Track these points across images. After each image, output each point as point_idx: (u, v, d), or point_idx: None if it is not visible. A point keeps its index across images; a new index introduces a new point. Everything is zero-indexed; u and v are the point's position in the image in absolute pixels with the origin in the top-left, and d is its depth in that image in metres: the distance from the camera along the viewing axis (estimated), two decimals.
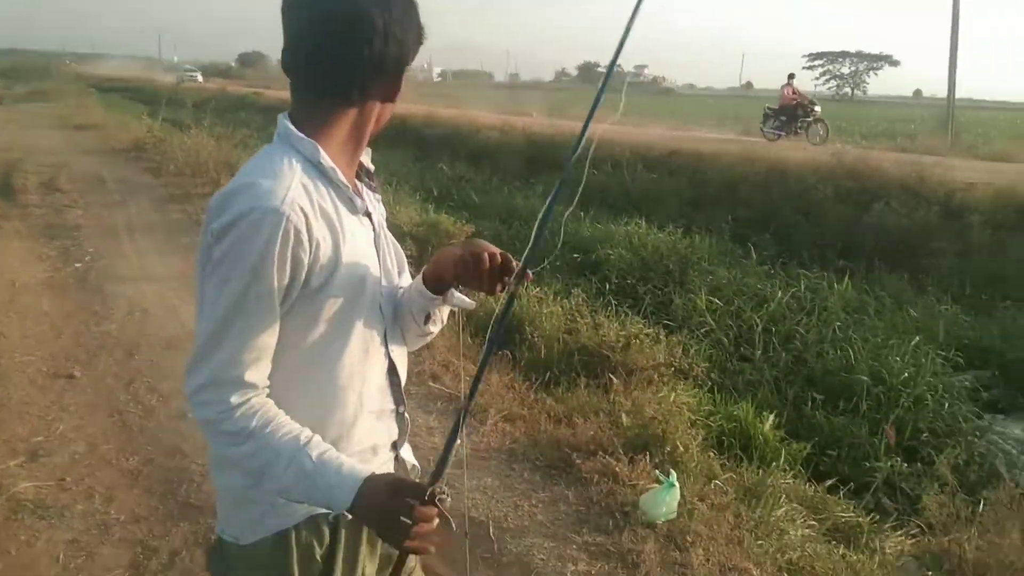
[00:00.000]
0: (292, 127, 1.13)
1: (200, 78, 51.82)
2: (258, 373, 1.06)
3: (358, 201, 1.15)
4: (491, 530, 2.84)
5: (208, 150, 10.36)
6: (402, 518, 0.99)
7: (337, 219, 1.10)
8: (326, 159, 1.10)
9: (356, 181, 1.22)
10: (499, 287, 1.16)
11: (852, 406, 4.80)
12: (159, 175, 10.59)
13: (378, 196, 1.27)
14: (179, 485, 3.10)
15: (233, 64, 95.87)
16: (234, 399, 1.03)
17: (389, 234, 1.32)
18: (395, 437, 1.29)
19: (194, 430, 3.53)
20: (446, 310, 1.29)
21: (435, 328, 1.30)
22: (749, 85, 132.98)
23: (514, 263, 1.15)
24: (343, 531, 1.20)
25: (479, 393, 3.70)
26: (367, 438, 1.22)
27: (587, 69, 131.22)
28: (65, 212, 8.20)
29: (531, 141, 14.30)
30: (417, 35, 1.15)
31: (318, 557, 1.18)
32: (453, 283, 1.22)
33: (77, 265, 6.17)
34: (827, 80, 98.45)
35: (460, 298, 1.27)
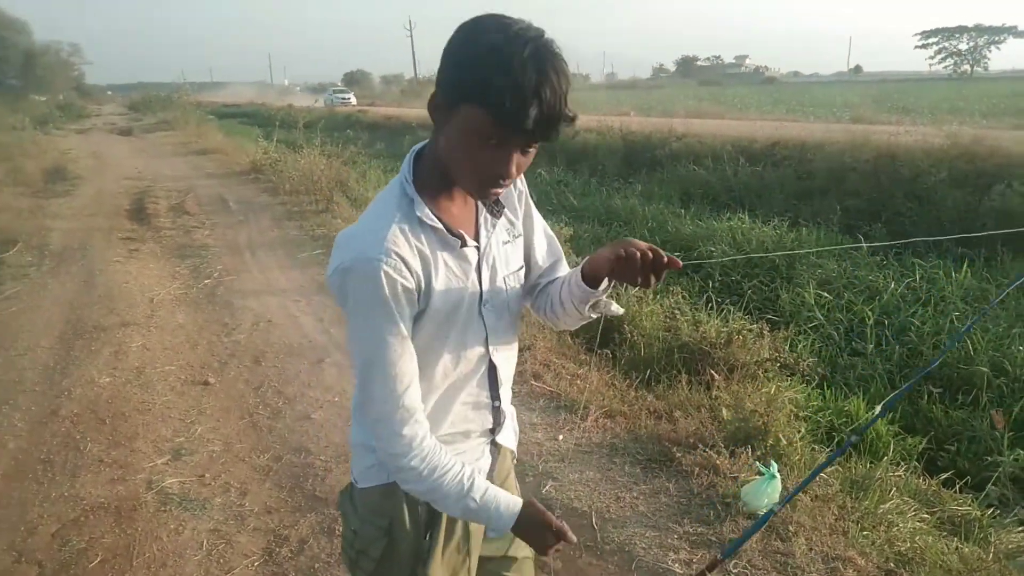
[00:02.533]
0: (409, 168, 1.27)
1: (354, 100, 46.70)
2: (413, 398, 1.23)
3: (450, 239, 1.26)
4: (593, 520, 2.93)
5: (320, 168, 10.86)
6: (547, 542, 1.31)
7: (431, 254, 1.23)
8: (421, 210, 1.23)
9: (477, 203, 1.34)
10: (653, 281, 1.23)
11: (972, 399, 4.61)
12: (276, 194, 11.21)
13: (495, 221, 1.37)
14: (305, 480, 3.35)
15: (339, 83, 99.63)
16: (406, 431, 1.22)
17: (530, 240, 1.49)
18: (490, 426, 1.44)
19: (317, 429, 3.81)
20: (603, 300, 1.40)
21: (595, 314, 1.42)
22: (858, 69, 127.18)
23: (666, 257, 1.21)
24: None
25: (580, 391, 3.81)
26: (460, 424, 1.39)
27: (685, 63, 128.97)
28: (193, 232, 8.82)
29: (628, 140, 14.24)
30: (469, 89, 1.10)
31: (421, 510, 1.38)
32: (609, 279, 1.31)
33: (207, 281, 6.66)
34: (943, 59, 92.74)
35: (616, 308, 1.41)
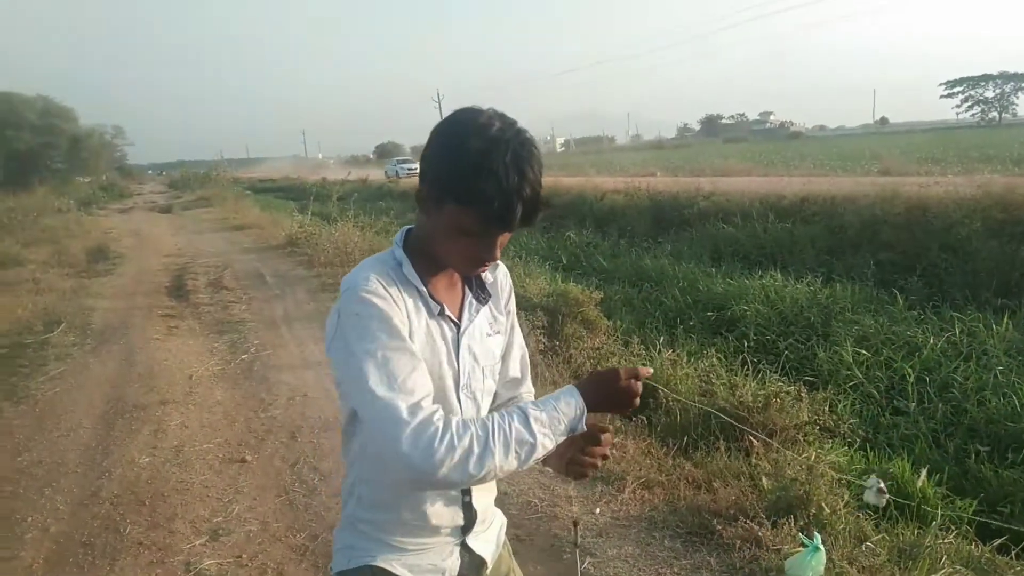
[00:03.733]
0: (400, 238, 1.35)
1: None
2: (430, 400, 1.18)
3: (432, 304, 1.31)
4: None
5: (354, 240, 11.07)
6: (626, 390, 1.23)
7: (413, 313, 1.27)
8: (407, 268, 1.30)
9: (461, 283, 1.39)
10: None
11: (1022, 458, 4.46)
12: (311, 267, 11.41)
13: (480, 307, 1.41)
14: None
15: (371, 156, 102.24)
16: (436, 419, 1.13)
17: (507, 339, 1.50)
18: (460, 523, 1.40)
19: None
20: None
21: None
22: (884, 121, 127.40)
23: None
24: None
25: (615, 460, 3.76)
26: (433, 518, 1.36)
27: (710, 122, 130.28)
28: (231, 307, 8.98)
29: (656, 201, 14.33)
30: (463, 190, 1.17)
31: None
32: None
33: (244, 356, 6.76)
34: (969, 107, 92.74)
35: None
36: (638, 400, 1.25)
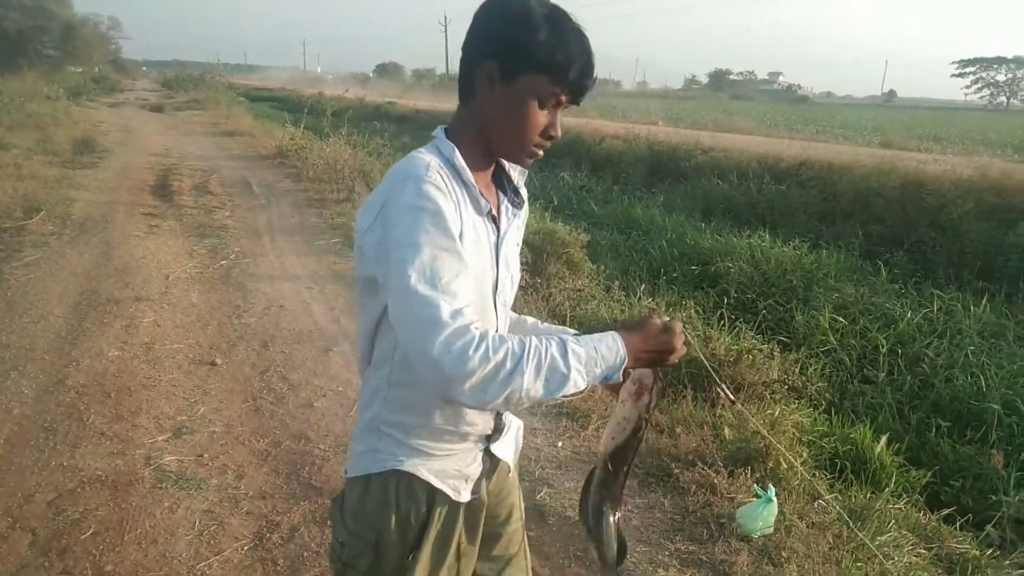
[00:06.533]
0: (442, 133, 1.29)
1: None
2: (471, 310, 1.10)
3: (483, 202, 1.26)
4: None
5: (344, 158, 10.90)
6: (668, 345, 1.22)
7: (458, 207, 1.19)
8: (459, 159, 1.24)
9: (495, 188, 1.36)
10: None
11: (981, 435, 4.54)
12: (299, 180, 11.26)
13: (516, 212, 1.39)
14: (302, 467, 3.36)
15: (371, 75, 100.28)
16: (475, 328, 1.06)
17: (517, 254, 1.45)
18: (489, 431, 1.39)
19: (319, 418, 3.81)
20: None
21: None
22: (892, 94, 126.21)
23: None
24: (438, 508, 1.34)
25: (582, 398, 3.78)
26: (459, 422, 1.32)
27: (718, 76, 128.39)
28: (214, 213, 8.87)
29: (654, 150, 14.16)
30: (536, 55, 1.19)
31: (413, 522, 1.33)
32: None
33: (223, 262, 6.70)
34: (979, 89, 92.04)
35: None
36: (676, 358, 1.24)
